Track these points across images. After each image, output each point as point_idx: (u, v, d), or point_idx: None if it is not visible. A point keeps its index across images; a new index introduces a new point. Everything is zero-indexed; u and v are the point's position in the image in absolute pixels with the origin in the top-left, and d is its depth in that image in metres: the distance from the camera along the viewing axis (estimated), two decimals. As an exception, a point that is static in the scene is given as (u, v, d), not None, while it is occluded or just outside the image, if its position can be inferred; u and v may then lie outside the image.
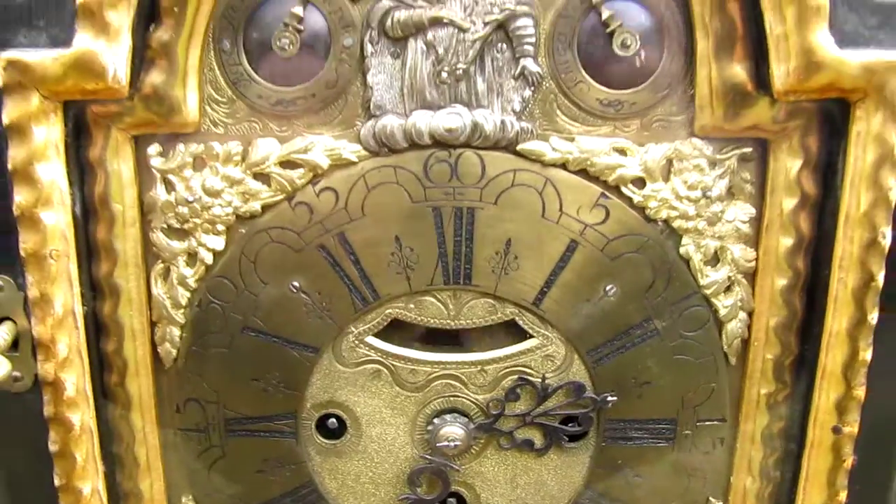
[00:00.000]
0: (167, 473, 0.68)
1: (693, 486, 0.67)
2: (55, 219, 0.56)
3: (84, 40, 0.53)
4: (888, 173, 0.55)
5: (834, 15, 0.53)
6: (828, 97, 0.56)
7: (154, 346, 0.64)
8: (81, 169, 0.58)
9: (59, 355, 0.59)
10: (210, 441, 0.66)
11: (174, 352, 0.64)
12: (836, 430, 0.60)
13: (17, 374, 0.60)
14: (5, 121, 0.54)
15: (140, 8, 0.55)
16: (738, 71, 0.57)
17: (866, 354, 0.58)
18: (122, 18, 0.53)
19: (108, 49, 0.54)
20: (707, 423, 0.66)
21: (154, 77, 0.57)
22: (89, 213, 0.59)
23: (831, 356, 0.60)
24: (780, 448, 0.64)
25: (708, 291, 0.63)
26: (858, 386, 0.58)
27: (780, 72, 0.54)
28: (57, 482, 0.61)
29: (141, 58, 0.56)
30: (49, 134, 0.55)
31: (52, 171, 0.56)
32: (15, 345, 0.59)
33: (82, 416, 0.61)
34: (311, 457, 0.66)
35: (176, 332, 0.63)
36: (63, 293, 0.57)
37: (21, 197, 0.55)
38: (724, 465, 0.67)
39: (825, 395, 0.60)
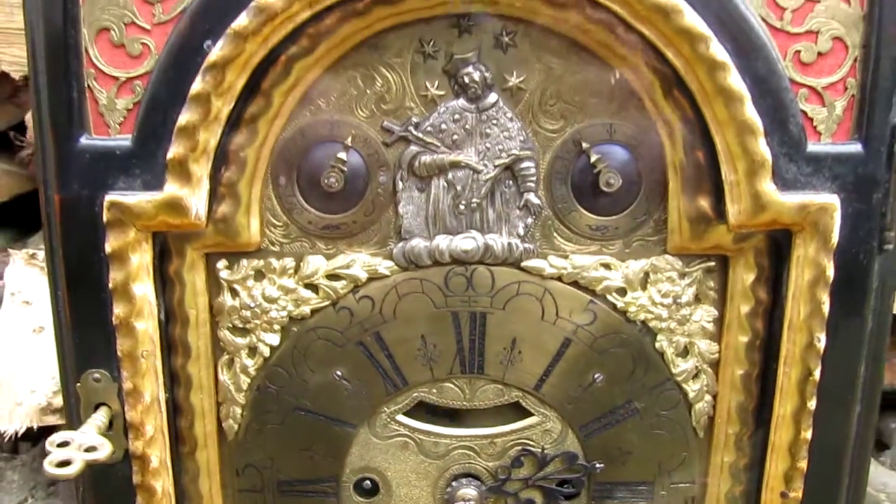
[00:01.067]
0: (228, 528, 0.83)
1: (669, 538, 0.81)
2: (145, 326, 0.71)
3: (172, 187, 0.67)
4: (822, 290, 0.69)
5: (776, 165, 0.67)
6: (774, 228, 0.70)
7: (219, 422, 0.79)
8: (164, 282, 0.72)
9: (146, 435, 0.73)
10: (265, 500, 0.81)
11: (236, 427, 0.78)
12: (784, 496, 0.74)
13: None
14: (108, 250, 0.69)
15: (214, 156, 0.70)
16: (702, 204, 0.70)
17: (807, 434, 0.72)
18: (202, 169, 0.68)
19: (191, 194, 0.68)
20: (680, 485, 0.80)
21: (223, 208, 0.71)
22: (170, 317, 0.73)
23: (779, 435, 0.74)
24: (740, 508, 0.79)
25: (679, 378, 0.77)
26: (801, 459, 0.72)
27: (734, 210, 0.68)
28: (141, 537, 0.76)
29: (214, 194, 0.70)
30: (142, 259, 0.69)
31: (144, 289, 0.70)
32: (109, 424, 0.74)
33: (163, 483, 0.75)
34: None
35: (238, 410, 0.78)
36: (150, 384, 0.72)
37: (119, 310, 0.69)
38: None
39: (775, 465, 0.74)
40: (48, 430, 1.72)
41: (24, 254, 1.70)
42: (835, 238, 0.68)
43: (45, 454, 1.63)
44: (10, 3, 1.72)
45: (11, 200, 2.00)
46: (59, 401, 1.56)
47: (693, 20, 0.63)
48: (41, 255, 1.69)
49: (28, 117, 1.81)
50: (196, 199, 0.67)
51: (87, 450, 0.69)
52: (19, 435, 1.59)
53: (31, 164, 1.85)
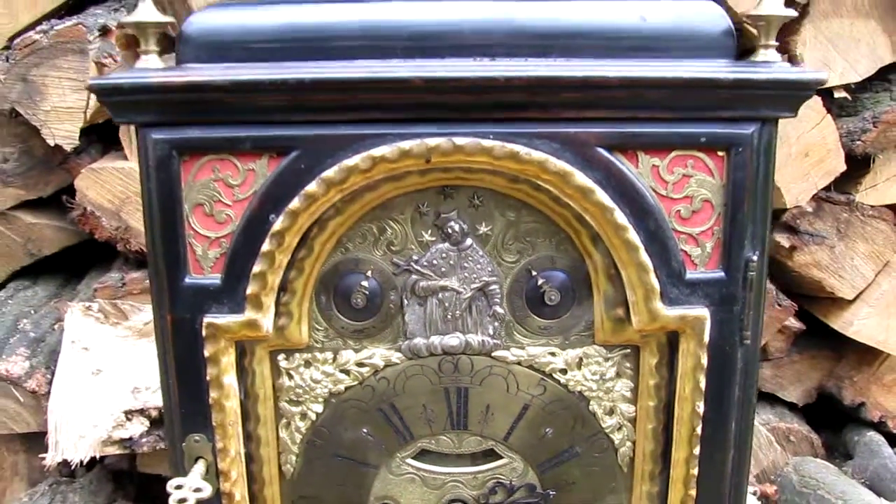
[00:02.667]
0: (288, 544, 1.17)
1: (606, 543, 1.15)
2: (231, 403, 1.04)
3: (250, 313, 1.00)
4: (699, 372, 1.01)
5: (663, 290, 0.99)
6: (666, 330, 1.04)
7: (280, 467, 1.12)
8: (242, 372, 1.06)
9: (232, 479, 1.07)
10: (313, 521, 1.15)
11: (291, 469, 1.11)
12: (681, 514, 1.08)
13: (204, 487, 1.09)
14: (206, 354, 1.02)
15: (277, 290, 1.04)
16: (618, 312, 1.03)
17: (694, 471, 1.04)
18: (269, 300, 1.01)
19: (263, 316, 1.02)
20: None
21: (282, 321, 1.04)
22: (247, 395, 1.07)
23: (676, 471, 1.06)
24: (654, 521, 1.13)
25: (607, 430, 1.09)
26: (691, 489, 1.05)
27: (636, 320, 1.01)
28: (228, 551, 1.11)
29: (276, 314, 1.04)
30: (229, 359, 1.03)
31: (230, 379, 1.03)
32: (206, 471, 1.08)
33: None
34: None
35: (293, 458, 1.11)
36: (234, 443, 1.06)
37: (214, 394, 1.03)
38: None
39: (674, 493, 1.07)
40: (102, 459, 2.08)
41: (82, 306, 2.04)
42: (706, 337, 1.00)
43: (100, 478, 1.99)
44: (62, 86, 2.06)
45: (60, 252, 2.35)
46: (117, 434, 1.91)
47: (602, 197, 0.95)
48: (95, 306, 2.04)
49: (77, 181, 2.16)
50: (266, 320, 1.01)
51: (195, 490, 1.04)
52: (84, 463, 1.94)
53: (79, 223, 2.20)
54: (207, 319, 1.00)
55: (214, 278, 1.00)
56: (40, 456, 1.94)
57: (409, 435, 1.08)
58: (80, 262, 2.42)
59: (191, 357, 1.02)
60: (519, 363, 1.06)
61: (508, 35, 0.98)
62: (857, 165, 2.21)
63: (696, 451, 1.03)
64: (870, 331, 2.28)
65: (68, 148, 2.11)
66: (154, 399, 1.89)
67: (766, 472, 2.24)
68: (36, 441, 2.11)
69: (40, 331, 2.13)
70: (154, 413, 1.89)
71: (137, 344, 1.99)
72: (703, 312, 0.99)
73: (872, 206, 2.22)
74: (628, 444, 1.09)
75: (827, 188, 2.19)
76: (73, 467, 2.03)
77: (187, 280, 1.00)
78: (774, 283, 2.22)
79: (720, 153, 0.97)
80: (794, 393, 2.44)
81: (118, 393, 1.91)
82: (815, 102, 2.11)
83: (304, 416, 1.08)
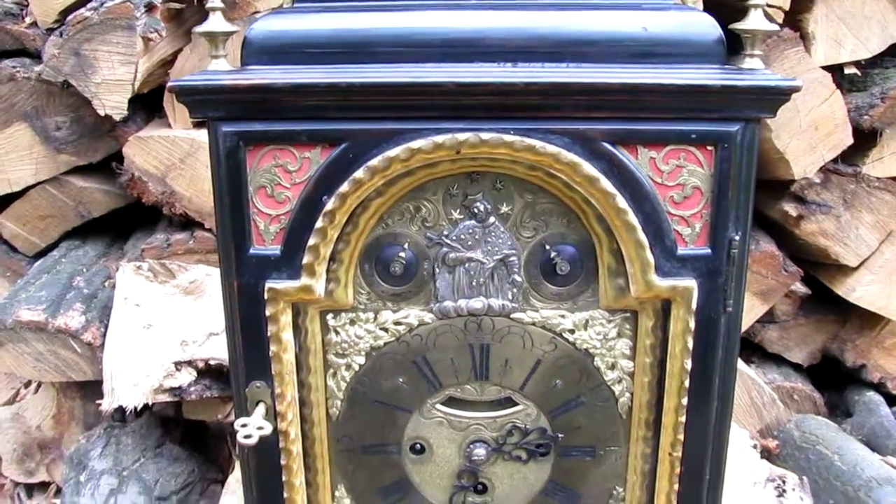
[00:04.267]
0: (332, 473, 1.40)
1: (606, 479, 1.37)
2: (288, 356, 1.25)
3: (305, 280, 1.21)
4: (688, 335, 1.20)
5: (657, 264, 1.18)
6: (660, 298, 1.24)
7: (327, 410, 1.34)
8: (297, 329, 1.27)
9: (287, 419, 1.28)
10: (354, 456, 1.37)
11: (337, 413, 1.32)
12: (670, 455, 1.29)
13: (263, 426, 1.31)
14: (267, 314, 1.23)
15: (328, 260, 1.24)
16: (619, 282, 1.24)
17: (682, 419, 1.24)
18: (322, 268, 1.21)
19: (316, 282, 1.22)
20: (611, 448, 1.30)
21: (331, 287, 1.24)
22: (300, 350, 1.28)
23: (667, 419, 1.26)
24: (648, 461, 1.32)
25: (609, 383, 1.29)
26: (679, 433, 1.25)
27: (634, 289, 1.21)
28: (284, 478, 1.33)
29: (327, 280, 1.26)
30: (286, 318, 1.23)
31: (287, 335, 1.23)
32: (265, 413, 1.31)
33: (297, 447, 1.30)
34: (406, 464, 1.34)
35: (339, 403, 1.32)
36: (291, 390, 1.27)
37: (274, 348, 1.23)
38: (621, 469, 1.31)
39: (665, 437, 1.27)
40: (151, 407, 2.32)
41: (133, 266, 2.27)
42: (694, 305, 1.18)
43: (149, 424, 2.25)
44: (112, 60, 2.26)
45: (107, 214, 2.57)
46: (167, 383, 2.14)
47: (606, 184, 1.14)
48: (145, 266, 2.27)
49: (125, 148, 2.37)
50: (318, 285, 1.22)
51: (258, 428, 1.27)
52: (136, 410, 2.17)
53: (127, 188, 2.42)
54: (269, 284, 1.21)
55: (275, 249, 1.21)
56: (97, 402, 2.17)
57: (438, 384, 1.29)
58: (125, 223, 2.65)
59: (253, 316, 1.23)
60: (533, 324, 1.25)
61: (527, 42, 1.17)
62: (865, 139, 2.37)
63: (685, 401, 1.24)
64: (872, 297, 2.46)
65: (117, 118, 2.32)
66: (201, 352, 2.12)
67: (770, 427, 2.45)
68: (90, 389, 2.35)
69: (93, 287, 2.36)
70: (201, 364, 2.12)
71: (184, 301, 2.21)
72: (691, 283, 1.19)
73: (878, 178, 2.38)
74: (627, 395, 1.30)
75: (834, 160, 2.36)
76: (125, 413, 2.27)
77: (251, 251, 1.21)
78: (782, 250, 2.40)
79: (709, 147, 1.15)
80: (800, 354, 2.64)
81: (167, 346, 2.14)
82: (825, 78, 2.27)
83: (348, 367, 1.29)
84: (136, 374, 2.15)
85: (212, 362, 2.12)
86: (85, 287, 2.39)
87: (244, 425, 1.22)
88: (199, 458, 2.41)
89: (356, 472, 1.35)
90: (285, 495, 1.32)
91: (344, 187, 1.16)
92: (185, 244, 2.37)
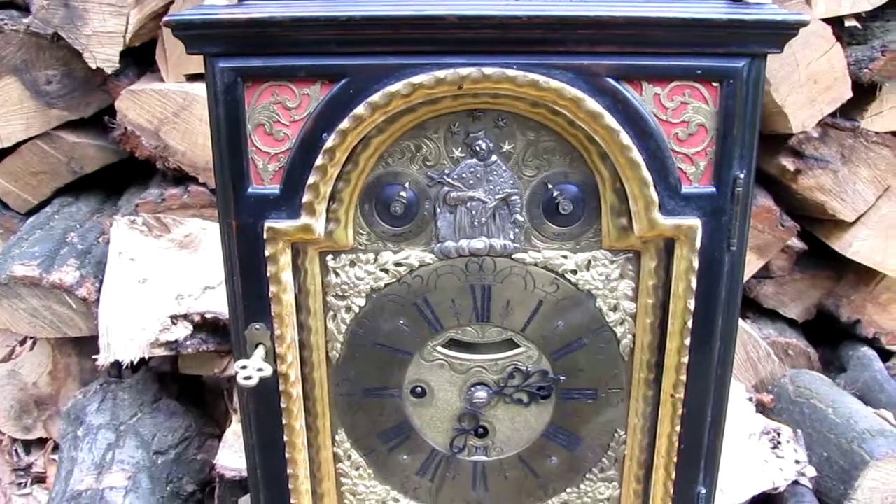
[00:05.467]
0: (332, 417, 1.38)
1: (607, 422, 1.36)
2: (288, 297, 1.23)
3: (305, 219, 1.19)
4: (691, 274, 1.21)
5: (661, 202, 1.17)
6: (663, 237, 1.23)
7: (327, 353, 1.33)
8: (297, 270, 1.25)
9: (287, 362, 1.27)
10: (354, 400, 1.36)
11: (337, 356, 1.31)
12: (672, 396, 1.28)
13: (263, 368, 1.30)
14: (267, 254, 1.21)
15: (328, 199, 1.22)
16: (622, 221, 1.22)
17: (684, 360, 1.23)
18: (321, 207, 1.19)
19: (316, 221, 1.20)
20: (613, 391, 1.30)
21: (331, 227, 1.22)
22: (300, 291, 1.26)
23: (669, 360, 1.25)
24: (650, 404, 1.32)
25: (611, 324, 1.29)
26: (682, 375, 1.24)
27: (637, 227, 1.19)
28: (283, 421, 1.32)
29: (326, 220, 1.24)
30: (286, 258, 1.21)
31: (287, 276, 1.22)
32: (265, 355, 1.29)
33: (297, 389, 1.29)
34: (407, 407, 1.33)
35: (339, 346, 1.31)
36: (290, 332, 1.25)
37: (273, 289, 1.21)
38: (623, 411, 1.32)
39: (667, 379, 1.27)
40: (148, 361, 2.30)
41: (127, 220, 2.25)
42: (698, 244, 1.17)
43: (146, 379, 2.24)
44: (103, 11, 2.22)
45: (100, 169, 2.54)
46: (164, 337, 2.12)
47: (610, 120, 1.12)
48: (139, 220, 2.24)
49: (117, 102, 2.34)
50: (318, 224, 1.19)
51: (258, 369, 1.25)
52: (131, 366, 2.16)
53: (120, 142, 2.39)
54: (268, 224, 1.18)
55: (274, 188, 1.18)
56: (93, 357, 2.16)
57: (439, 326, 1.28)
58: (118, 179, 2.62)
59: (253, 257, 1.21)
60: (535, 264, 1.23)
61: (531, -25, 1.14)
62: (864, 93, 2.35)
63: (687, 342, 1.23)
64: (868, 252, 2.46)
65: (109, 70, 2.29)
66: (197, 306, 2.11)
67: (764, 382, 2.46)
68: (86, 345, 2.34)
69: (87, 243, 2.34)
70: (197, 318, 2.10)
71: (179, 255, 2.19)
72: (695, 222, 1.18)
73: (877, 133, 2.37)
74: (629, 336, 1.29)
75: (833, 114, 2.34)
76: (122, 368, 2.26)
77: (250, 190, 1.19)
78: (779, 205, 2.39)
79: (714, 84, 1.13)
80: (795, 310, 2.64)
81: (163, 300, 2.12)
82: (825, 31, 2.24)
83: (348, 309, 1.27)
84: (131, 329, 2.13)
85: (208, 316, 2.10)
86: (79, 243, 2.37)
87: (244, 367, 1.21)
88: (197, 412, 2.40)
89: (356, 416, 1.34)
90: (285, 439, 1.31)
91: (344, 124, 1.13)
92: (180, 199, 2.34)
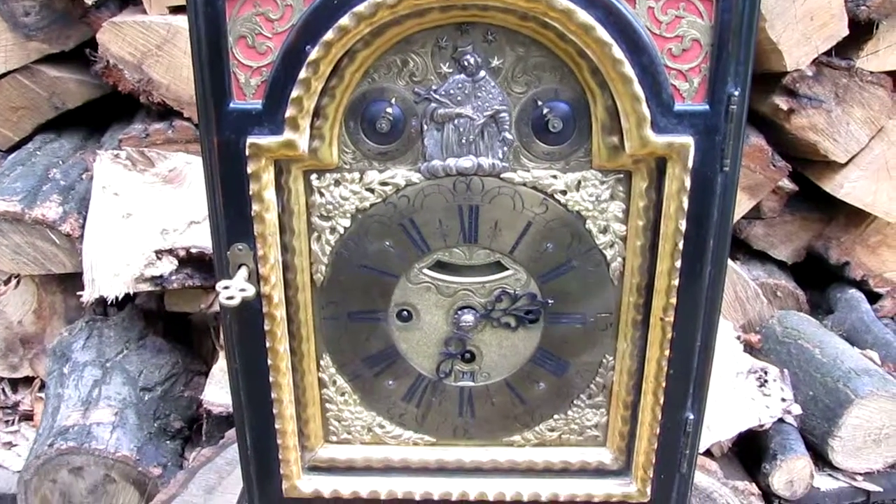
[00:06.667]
0: (317, 342, 1.36)
1: (596, 347, 1.34)
2: (271, 216, 1.20)
3: (288, 134, 1.15)
4: (683, 194, 1.17)
5: (654, 119, 1.14)
6: (655, 156, 1.20)
7: (312, 276, 1.31)
8: (280, 189, 1.22)
9: (271, 283, 1.24)
10: (340, 324, 1.33)
11: (322, 278, 1.28)
12: (662, 319, 1.26)
13: (247, 290, 1.27)
14: (249, 171, 1.18)
15: (312, 114, 1.19)
16: (613, 140, 1.19)
17: (675, 282, 1.22)
18: (305, 122, 1.15)
19: (299, 137, 1.17)
20: (602, 315, 1.27)
21: (315, 144, 1.19)
22: (283, 211, 1.23)
23: (660, 283, 1.23)
24: (639, 328, 1.30)
25: (601, 247, 1.26)
26: (672, 297, 1.22)
27: (629, 146, 1.17)
28: (267, 344, 1.30)
29: (311, 137, 1.20)
30: (268, 176, 1.17)
31: (270, 194, 1.19)
32: (248, 276, 1.27)
33: (280, 312, 1.27)
34: (393, 331, 1.30)
35: (323, 268, 1.28)
36: (274, 252, 1.22)
37: (256, 207, 1.19)
38: (612, 338, 1.31)
39: (657, 302, 1.25)
40: (134, 297, 2.28)
41: (110, 154, 2.20)
42: (691, 163, 1.15)
43: (132, 316, 2.21)
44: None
45: (82, 107, 2.48)
46: (149, 272, 2.10)
47: (602, 33, 1.08)
48: (123, 154, 2.20)
49: (98, 35, 2.27)
50: (302, 140, 1.16)
51: (241, 290, 1.23)
52: (117, 302, 2.13)
53: (102, 76, 2.33)
54: (250, 140, 1.15)
55: (256, 104, 1.15)
56: (78, 294, 2.14)
57: (426, 247, 1.25)
58: (102, 117, 2.56)
59: (235, 175, 1.17)
60: (524, 184, 1.22)
61: None
62: (860, 31, 2.31)
63: (678, 264, 1.20)
64: (859, 193, 2.44)
65: (89, 2, 2.22)
66: (182, 240, 2.08)
67: (752, 323, 2.45)
68: (71, 283, 2.31)
69: (70, 179, 2.30)
70: (182, 253, 2.07)
71: (164, 189, 2.16)
72: (688, 140, 1.14)
73: (872, 73, 2.34)
74: (619, 259, 1.26)
75: (828, 53, 2.30)
76: (107, 305, 2.24)
77: (232, 105, 1.15)
78: (770, 145, 2.37)
79: (710, -4, 1.10)
80: (784, 251, 2.63)
81: (148, 234, 2.09)
82: (822, -34, 2.19)
83: (333, 230, 1.25)
84: (116, 264, 2.11)
85: (193, 250, 2.07)
86: (62, 179, 2.32)
87: (226, 287, 1.18)
88: (183, 350, 2.38)
89: (342, 340, 1.32)
90: (269, 362, 1.28)
91: (328, 35, 1.09)
92: (165, 134, 2.30)
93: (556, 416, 1.38)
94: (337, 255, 1.26)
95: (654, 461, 1.35)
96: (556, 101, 1.18)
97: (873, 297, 2.63)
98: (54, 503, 2.05)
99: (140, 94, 2.29)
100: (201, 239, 2.08)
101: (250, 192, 1.18)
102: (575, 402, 1.37)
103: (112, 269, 2.10)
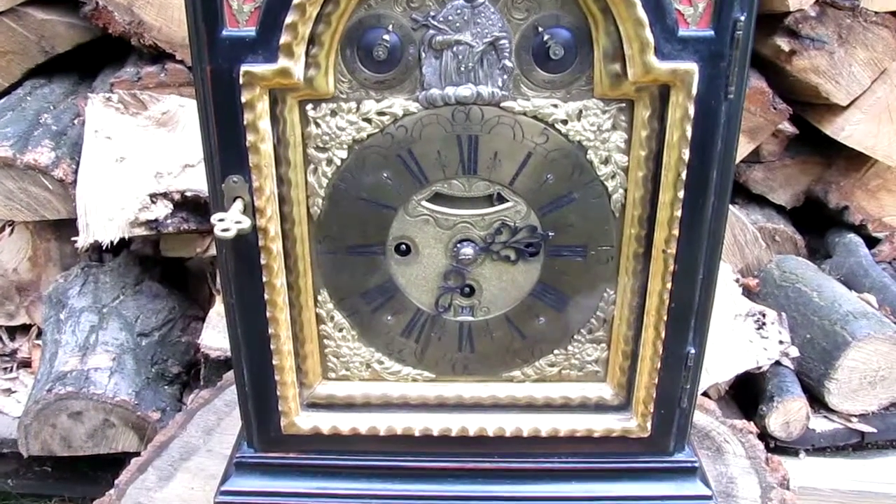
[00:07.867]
0: (314, 277, 1.34)
1: (597, 280, 1.33)
2: (266, 147, 1.17)
3: (283, 62, 1.12)
4: (687, 122, 1.14)
5: (657, 45, 1.11)
6: (658, 83, 1.17)
7: (308, 209, 1.28)
8: (275, 119, 1.19)
9: (267, 215, 1.22)
10: (337, 258, 1.31)
11: (319, 211, 1.26)
12: (664, 252, 1.24)
13: (243, 224, 1.25)
14: (243, 100, 1.14)
15: (307, 41, 1.15)
16: (615, 67, 1.16)
17: (677, 213, 1.19)
18: (300, 50, 1.12)
19: (294, 65, 1.13)
20: (603, 248, 1.25)
21: (311, 72, 1.16)
22: (279, 142, 1.20)
23: (662, 215, 1.20)
24: (640, 261, 1.29)
25: (602, 178, 1.23)
26: (675, 229, 1.21)
27: (632, 72, 1.14)
28: (264, 279, 1.28)
29: (306, 64, 1.17)
30: (263, 105, 1.15)
31: (265, 124, 1.16)
32: (244, 209, 1.24)
33: (277, 245, 1.24)
34: (391, 266, 1.28)
35: (320, 201, 1.26)
36: (269, 184, 1.20)
37: (250, 137, 1.16)
38: (613, 272, 1.28)
39: (659, 234, 1.23)
40: (129, 243, 2.25)
41: (102, 97, 2.16)
42: (695, 90, 1.12)
43: (127, 262, 2.19)
44: None
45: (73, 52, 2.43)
46: (144, 216, 2.07)
47: (605, -47, 1.07)
48: (115, 97, 2.16)
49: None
50: (297, 68, 1.13)
51: (236, 222, 1.20)
52: (114, 244, 2.11)
53: (92, 18, 2.28)
54: (244, 68, 1.12)
55: (249, 31, 1.11)
56: (72, 239, 2.11)
57: (424, 179, 1.23)
58: (93, 62, 2.51)
59: (229, 104, 1.14)
60: (524, 113, 1.19)
61: None
62: (864, -31, 2.25)
63: (681, 194, 1.18)
64: (860, 136, 2.42)
65: (79, -60, 2.15)
66: (176, 183, 2.05)
67: (751, 267, 2.44)
68: (65, 229, 2.28)
69: (62, 124, 2.26)
70: (177, 196, 2.04)
71: (157, 133, 2.12)
72: (692, 66, 1.11)
73: (876, 13, 2.29)
74: (620, 191, 1.24)
75: (831, -8, 2.25)
76: (102, 251, 2.21)
77: (224, 33, 1.11)
78: (771, 87, 2.33)
79: (716, -86, 1.06)
80: (784, 196, 2.61)
81: (142, 178, 2.06)
82: None
83: (329, 161, 1.22)
84: (110, 208, 2.08)
85: (188, 194, 2.05)
86: (53, 124, 2.28)
87: (221, 220, 1.16)
88: (180, 295, 2.37)
89: (339, 275, 1.30)
90: (266, 297, 1.27)
91: (324, -43, 1.05)
92: (157, 77, 2.25)
93: (556, 352, 1.37)
94: (334, 187, 1.24)
95: (654, 396, 1.34)
96: (557, 27, 1.15)
97: (872, 242, 2.62)
98: (55, 448, 2.05)
99: (131, 37, 2.24)
100: (196, 182, 2.05)
101: (244, 123, 1.15)
102: (575, 336, 1.36)
103: (106, 214, 2.07)
